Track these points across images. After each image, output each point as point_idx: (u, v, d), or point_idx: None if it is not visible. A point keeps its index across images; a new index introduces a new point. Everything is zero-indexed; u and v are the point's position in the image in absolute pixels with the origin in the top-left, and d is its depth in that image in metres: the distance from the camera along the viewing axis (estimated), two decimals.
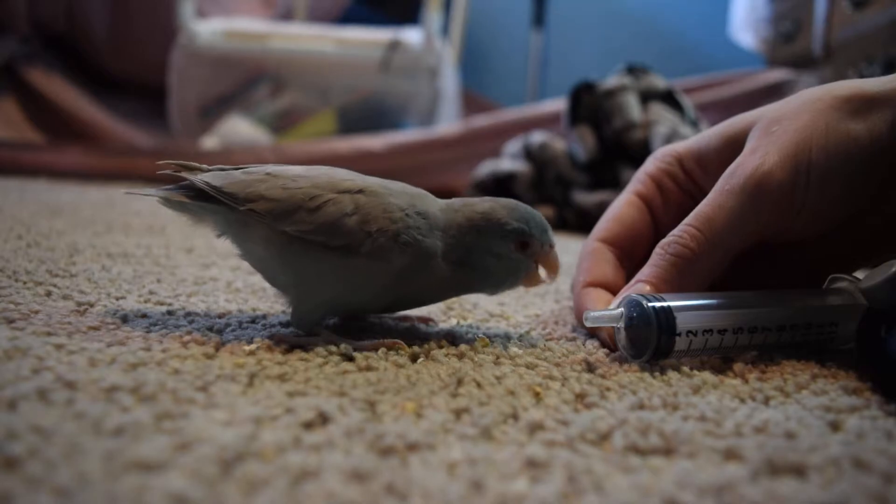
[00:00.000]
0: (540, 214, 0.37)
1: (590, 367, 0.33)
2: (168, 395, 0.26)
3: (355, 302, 0.37)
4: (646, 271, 0.36)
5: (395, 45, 1.76)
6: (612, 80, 1.12)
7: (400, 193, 0.35)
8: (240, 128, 1.70)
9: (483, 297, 0.49)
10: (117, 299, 0.41)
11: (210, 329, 0.36)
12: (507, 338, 0.38)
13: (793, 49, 1.50)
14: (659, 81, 1.13)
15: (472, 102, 2.26)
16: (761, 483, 0.22)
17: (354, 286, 0.35)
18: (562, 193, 1.14)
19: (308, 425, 0.24)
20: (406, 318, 0.42)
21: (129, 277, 0.48)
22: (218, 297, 0.45)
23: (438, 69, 1.79)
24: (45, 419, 0.23)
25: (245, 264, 0.58)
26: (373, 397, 0.27)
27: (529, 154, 1.19)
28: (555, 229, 0.42)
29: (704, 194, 0.37)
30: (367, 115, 1.81)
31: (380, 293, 0.36)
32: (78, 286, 0.44)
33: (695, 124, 1.10)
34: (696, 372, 0.33)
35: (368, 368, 0.31)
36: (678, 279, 0.36)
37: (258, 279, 0.52)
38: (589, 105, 1.11)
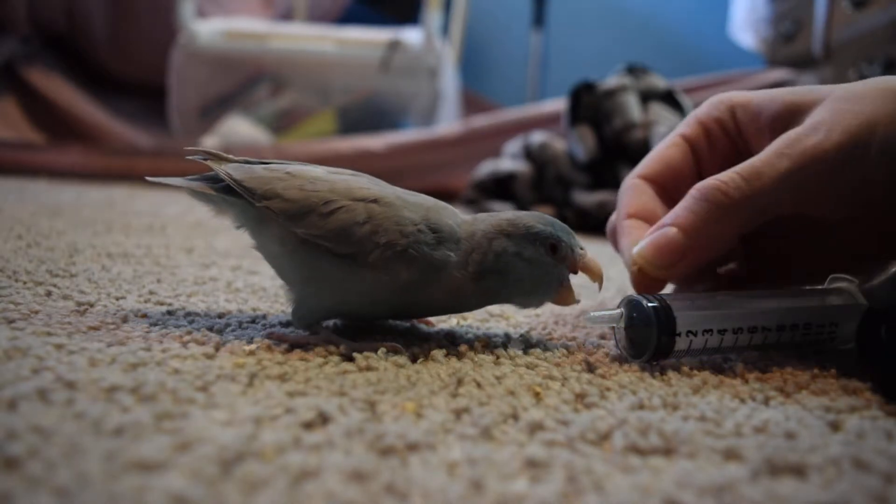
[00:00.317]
0: (565, 225, 0.37)
1: (590, 367, 0.33)
2: (168, 395, 0.26)
3: (359, 308, 0.37)
4: (677, 214, 0.36)
5: (395, 45, 1.76)
6: (612, 80, 1.12)
7: (415, 206, 0.35)
8: (240, 128, 1.70)
9: None
10: (117, 299, 0.41)
11: (210, 329, 0.36)
12: (507, 338, 0.38)
13: (793, 49, 1.50)
14: (659, 81, 1.13)
15: (472, 102, 2.26)
16: (761, 483, 0.22)
17: (359, 294, 0.35)
18: (562, 193, 1.14)
19: (308, 425, 0.24)
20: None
21: (129, 277, 0.48)
22: (218, 297, 0.45)
23: (438, 69, 1.79)
24: (45, 419, 0.23)
25: (245, 264, 0.58)
26: (373, 397, 0.27)
27: (529, 154, 1.19)
28: None
29: (749, 150, 0.37)
30: (367, 115, 1.81)
31: (384, 303, 0.35)
32: (78, 286, 0.44)
33: None
34: (696, 372, 0.33)
35: (368, 368, 0.31)
36: (707, 227, 0.35)
37: (258, 279, 0.52)
38: (589, 105, 1.11)
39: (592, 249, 0.38)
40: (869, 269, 0.37)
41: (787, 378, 0.32)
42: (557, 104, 1.37)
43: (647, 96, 1.11)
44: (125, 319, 0.37)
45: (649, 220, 0.40)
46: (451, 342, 0.36)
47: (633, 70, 1.14)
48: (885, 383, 0.31)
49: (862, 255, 0.39)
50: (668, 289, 0.40)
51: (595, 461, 0.23)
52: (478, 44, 2.44)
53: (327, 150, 1.48)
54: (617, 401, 0.29)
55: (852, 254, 0.39)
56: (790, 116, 0.38)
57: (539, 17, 2.32)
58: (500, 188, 1.16)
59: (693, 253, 0.36)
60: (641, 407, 0.28)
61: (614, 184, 1.08)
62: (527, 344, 0.37)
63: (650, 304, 0.33)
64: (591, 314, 0.34)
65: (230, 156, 0.38)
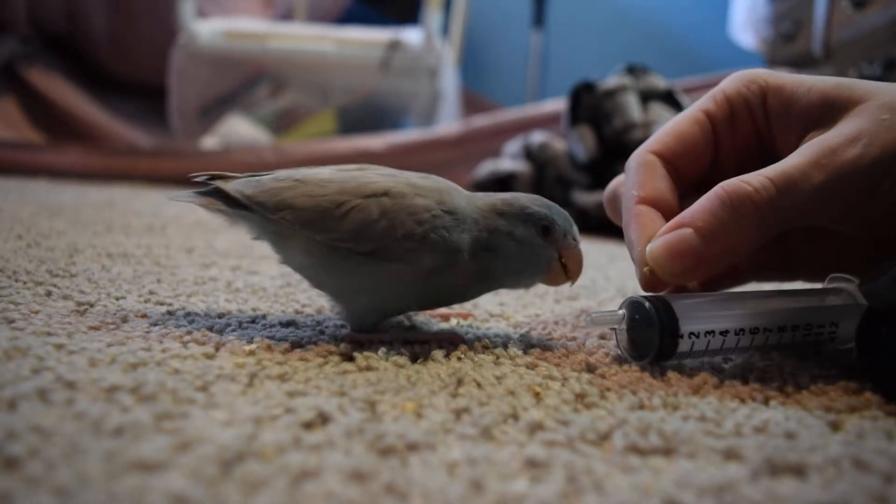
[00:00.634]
0: (565, 211, 0.37)
1: (590, 368, 0.33)
2: (168, 395, 0.26)
3: (396, 303, 0.37)
4: (696, 214, 0.33)
5: (395, 45, 1.76)
6: (612, 80, 1.12)
7: (428, 191, 0.35)
8: (240, 128, 1.70)
9: (483, 297, 0.49)
10: (117, 299, 0.41)
11: (210, 329, 0.36)
12: (507, 338, 0.38)
13: (793, 49, 1.50)
14: (659, 81, 1.13)
15: (472, 102, 2.26)
16: (761, 483, 0.22)
17: (391, 288, 0.35)
18: (562, 193, 1.14)
19: (308, 425, 0.24)
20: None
21: (129, 277, 0.48)
22: (218, 297, 0.45)
23: (438, 69, 1.79)
24: (45, 419, 0.23)
25: (245, 264, 0.58)
26: (373, 397, 0.27)
27: (529, 154, 1.19)
28: None
29: (771, 140, 0.35)
30: (367, 115, 1.81)
31: (415, 292, 0.36)
32: (78, 286, 0.44)
33: None
34: (696, 372, 0.33)
35: (368, 368, 0.31)
36: (727, 234, 0.33)
37: (258, 279, 0.52)
38: (589, 105, 1.11)
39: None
40: (869, 269, 0.37)
41: (787, 378, 0.32)
42: (557, 104, 1.38)
43: (647, 96, 1.11)
44: (125, 319, 0.37)
45: (662, 208, 0.37)
46: (452, 342, 0.36)
47: (633, 70, 1.14)
48: (885, 383, 0.31)
49: (862, 255, 0.39)
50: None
51: (595, 461, 0.23)
52: (478, 44, 2.44)
53: (327, 150, 1.48)
54: (617, 401, 0.29)
55: (853, 254, 0.39)
56: (825, 113, 0.35)
57: (539, 17, 2.32)
58: (500, 188, 1.16)
59: (708, 260, 0.34)
60: (641, 407, 0.28)
61: None
62: (527, 344, 0.37)
63: (652, 306, 0.33)
64: (593, 315, 0.34)
65: (234, 174, 0.38)
